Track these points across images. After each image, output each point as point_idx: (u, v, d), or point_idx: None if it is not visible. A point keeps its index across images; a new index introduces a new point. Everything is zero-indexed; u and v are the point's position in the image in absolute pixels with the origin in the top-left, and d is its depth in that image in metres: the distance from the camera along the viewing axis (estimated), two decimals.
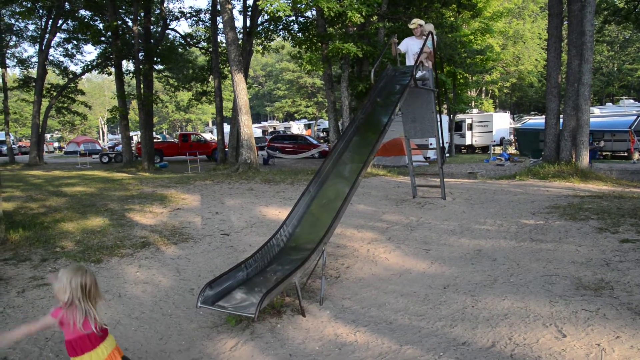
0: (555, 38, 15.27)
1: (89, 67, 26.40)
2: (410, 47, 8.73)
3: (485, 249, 6.38)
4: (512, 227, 7.43)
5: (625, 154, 22.67)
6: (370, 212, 9.05)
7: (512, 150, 27.62)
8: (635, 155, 22.13)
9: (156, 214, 8.66)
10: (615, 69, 52.42)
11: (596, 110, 27.20)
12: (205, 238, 7.30)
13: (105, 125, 69.97)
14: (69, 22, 25.53)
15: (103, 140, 64.09)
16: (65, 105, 27.64)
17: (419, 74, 8.22)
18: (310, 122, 49.96)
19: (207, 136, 37.84)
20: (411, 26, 8.78)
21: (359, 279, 5.59)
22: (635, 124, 22.58)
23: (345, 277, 5.66)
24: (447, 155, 26.12)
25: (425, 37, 8.53)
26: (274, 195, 10.64)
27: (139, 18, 22.30)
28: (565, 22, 15.04)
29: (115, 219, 8.18)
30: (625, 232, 6.67)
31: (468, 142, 31.90)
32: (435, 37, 8.79)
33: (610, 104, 36.25)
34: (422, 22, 8.76)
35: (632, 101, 33.65)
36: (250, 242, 7.09)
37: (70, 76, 27.21)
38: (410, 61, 8.74)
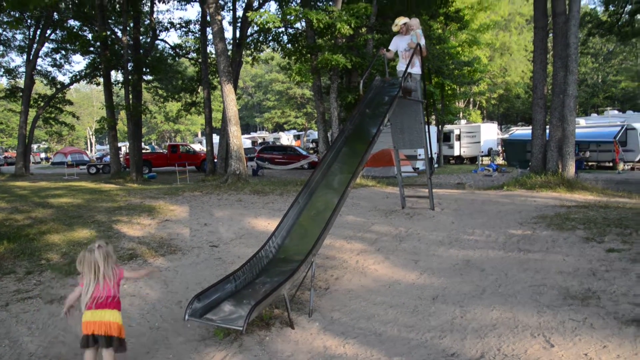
0: (540, 50, 15.50)
1: (77, 77, 26.27)
2: (399, 45, 8.66)
3: (473, 260, 6.41)
4: (500, 237, 7.47)
5: (611, 164, 22.99)
6: (360, 223, 9.06)
7: (499, 160, 27.88)
8: (620, 166, 22.45)
9: (144, 226, 8.59)
10: (600, 80, 53.35)
11: (582, 121, 27.59)
12: (194, 250, 7.25)
13: (94, 136, 69.47)
14: (57, 31, 25.42)
15: (91, 151, 63.57)
16: (53, 115, 27.41)
17: (407, 83, 8.25)
18: (300, 132, 50.03)
19: (196, 147, 37.72)
20: (395, 29, 8.65)
21: (348, 290, 5.57)
22: (620, 134, 22.94)
23: (334, 288, 5.65)
24: (436, 165, 26.28)
25: (412, 32, 8.44)
26: (263, 206, 10.61)
27: (128, 28, 22.27)
28: (551, 35, 15.30)
29: (103, 231, 8.09)
30: (611, 242, 6.74)
31: (456, 152, 32.13)
32: (421, 30, 8.63)
33: (596, 114, 36.81)
34: (405, 20, 8.58)
35: (616, 112, 34.21)
36: (239, 253, 7.05)
37: (58, 86, 27.01)
38: (401, 60, 8.69)
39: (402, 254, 6.92)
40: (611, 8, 20.96)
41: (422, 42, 8.57)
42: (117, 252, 6.88)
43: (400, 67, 8.75)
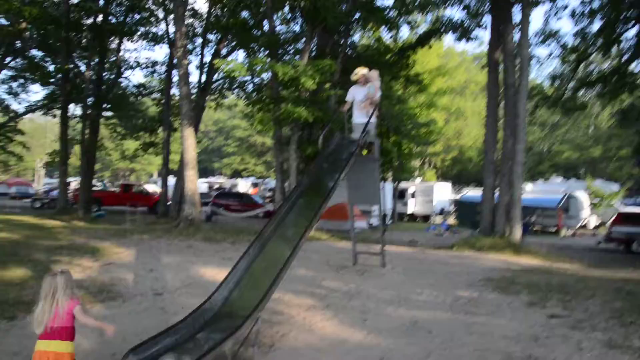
0: (491, 119, 16.39)
1: (33, 107, 25.40)
2: (356, 95, 8.63)
3: (421, 321, 6.40)
4: (448, 298, 7.54)
5: (555, 229, 24.00)
6: (310, 277, 8.94)
7: (451, 220, 28.59)
8: (563, 232, 23.46)
9: (85, 268, 8.17)
10: (546, 149, 56.48)
11: (529, 187, 28.89)
12: (136, 297, 6.91)
13: (43, 169, 66.76)
14: (17, 59, 24.71)
15: (38, 183, 60.83)
16: (2, 144, 26.19)
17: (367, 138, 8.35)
18: (258, 180, 49.84)
19: (151, 188, 36.78)
20: (354, 77, 8.64)
21: (294, 348, 5.41)
22: (563, 201, 24.14)
23: (279, 345, 5.47)
24: (390, 221, 26.58)
25: (370, 84, 8.46)
26: (214, 254, 10.36)
27: (92, 64, 22.03)
28: (502, 104, 16.25)
29: (39, 271, 7.62)
30: (553, 307, 6.94)
31: (410, 210, 32.67)
32: (380, 82, 8.68)
33: (542, 181, 38.65)
34: (365, 70, 8.61)
35: (560, 179, 36.12)
36: (184, 303, 6.77)
37: (11, 115, 25.97)
38: (356, 110, 8.65)
39: (351, 311, 6.84)
40: (556, 83, 22.62)
41: (378, 94, 8.66)
42: None
43: (356, 118, 8.71)
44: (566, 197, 24.69)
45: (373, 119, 8.64)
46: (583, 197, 26.38)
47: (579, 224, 25.51)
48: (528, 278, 9.02)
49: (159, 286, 7.62)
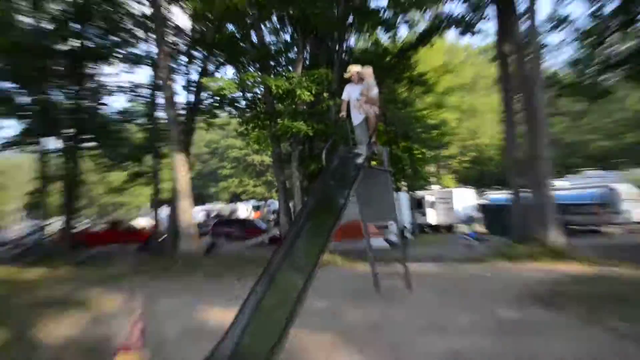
0: (508, 114, 16.19)
1: (7, 143, 25.32)
2: (351, 94, 8.78)
3: (462, 350, 6.09)
4: (489, 321, 7.22)
5: (594, 226, 23.48)
6: (328, 308, 8.62)
7: (479, 227, 28.09)
8: (609, 230, 22.96)
9: (72, 325, 7.90)
10: (575, 139, 55.95)
11: (561, 183, 28.38)
12: None
13: (22, 211, 66.76)
14: None
15: (16, 227, 60.72)
16: None
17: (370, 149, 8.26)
18: (260, 203, 49.58)
19: (142, 222, 36.55)
20: (346, 75, 8.83)
21: None
22: (601, 196, 23.66)
23: None
24: (412, 233, 26.22)
25: (364, 81, 8.59)
26: (218, 293, 10.07)
27: (70, 92, 22.03)
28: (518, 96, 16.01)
29: (17, 334, 7.38)
30: (612, 321, 6.64)
31: (430, 220, 32.17)
32: (373, 79, 8.77)
33: (575, 175, 38.05)
34: (358, 68, 8.80)
35: (595, 172, 35.54)
36: (187, 355, 6.49)
37: None
38: (353, 109, 8.77)
39: (379, 346, 6.53)
40: (576, 70, 22.31)
41: (375, 91, 8.71)
42: None
43: (354, 116, 8.85)
44: (605, 190, 24.20)
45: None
46: (625, 188, 25.79)
47: (625, 219, 24.88)
48: (577, 288, 8.67)
49: (157, 337, 7.32)
